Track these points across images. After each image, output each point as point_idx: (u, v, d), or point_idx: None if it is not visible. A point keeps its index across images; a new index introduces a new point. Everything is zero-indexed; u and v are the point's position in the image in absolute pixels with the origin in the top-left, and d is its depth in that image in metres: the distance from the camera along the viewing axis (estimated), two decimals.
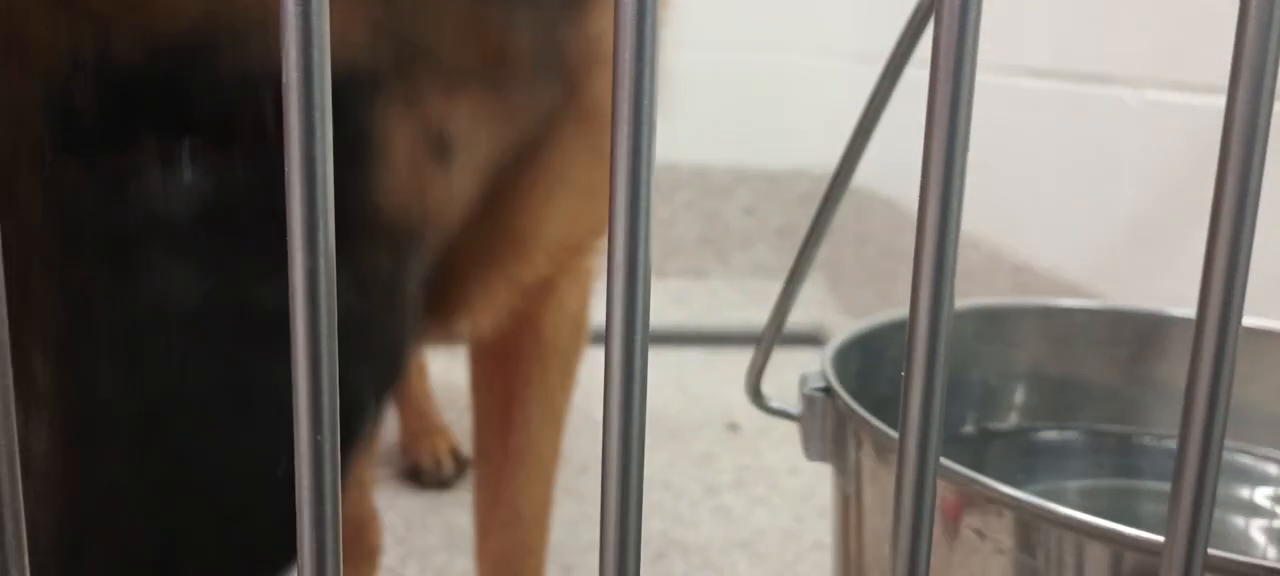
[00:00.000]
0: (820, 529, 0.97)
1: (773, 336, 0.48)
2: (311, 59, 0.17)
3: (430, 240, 0.45)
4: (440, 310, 0.50)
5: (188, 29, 0.36)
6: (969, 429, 0.71)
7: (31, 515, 0.20)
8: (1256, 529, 0.64)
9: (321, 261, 0.17)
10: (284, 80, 0.17)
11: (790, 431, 0.57)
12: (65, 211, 0.37)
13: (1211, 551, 0.28)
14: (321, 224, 0.17)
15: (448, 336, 0.62)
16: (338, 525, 0.19)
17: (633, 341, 0.21)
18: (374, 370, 0.43)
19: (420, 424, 1.11)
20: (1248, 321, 0.62)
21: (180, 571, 0.39)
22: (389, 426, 1.12)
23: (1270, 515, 0.64)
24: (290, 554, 0.20)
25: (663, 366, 1.47)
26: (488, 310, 0.54)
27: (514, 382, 0.67)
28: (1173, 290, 0.93)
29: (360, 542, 0.72)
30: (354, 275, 0.40)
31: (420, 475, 1.06)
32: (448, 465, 1.07)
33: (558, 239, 0.53)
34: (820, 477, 1.10)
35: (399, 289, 0.43)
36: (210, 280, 0.38)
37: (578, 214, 0.51)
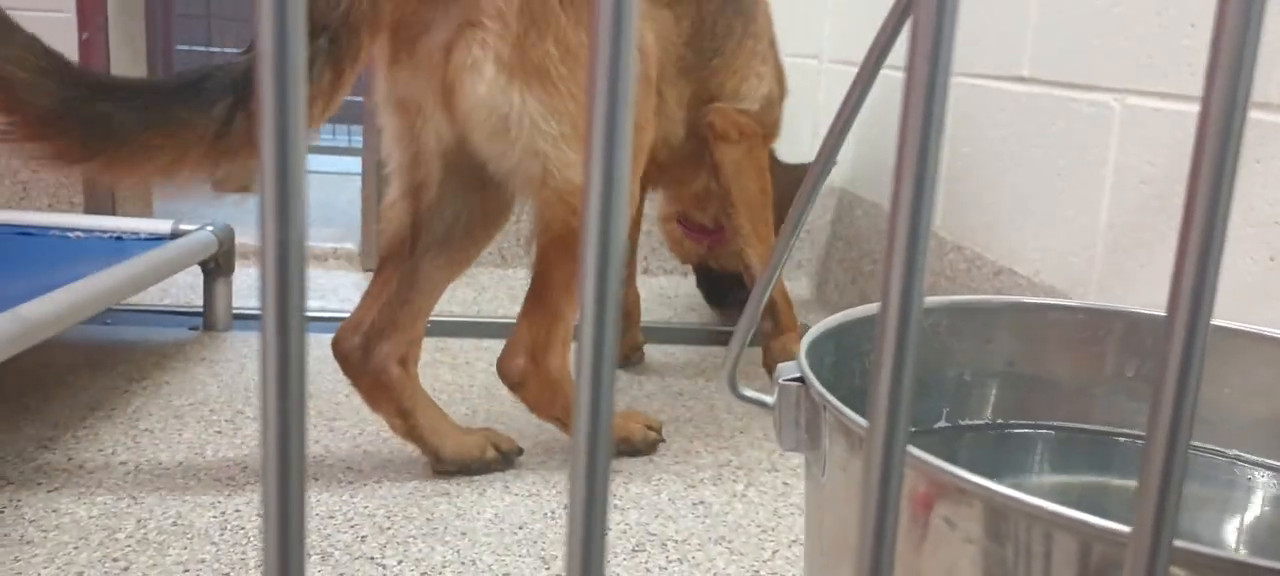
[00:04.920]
0: (797, 525, 0.98)
1: (749, 326, 0.48)
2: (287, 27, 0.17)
3: None
4: None
5: None
6: (943, 423, 0.71)
7: None
8: (1229, 528, 0.65)
9: (292, 234, 0.17)
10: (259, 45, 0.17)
11: (769, 428, 0.57)
12: None
13: (1177, 542, 0.29)
14: (294, 195, 0.17)
15: None
16: (303, 510, 0.19)
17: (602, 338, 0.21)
18: None
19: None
20: (1221, 322, 0.62)
21: None
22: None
23: (1243, 513, 0.65)
24: None
25: (646, 361, 1.47)
26: None
27: None
28: (1151, 295, 0.94)
29: None
30: None
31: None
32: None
33: None
34: (797, 474, 1.10)
35: None
36: None
37: None
